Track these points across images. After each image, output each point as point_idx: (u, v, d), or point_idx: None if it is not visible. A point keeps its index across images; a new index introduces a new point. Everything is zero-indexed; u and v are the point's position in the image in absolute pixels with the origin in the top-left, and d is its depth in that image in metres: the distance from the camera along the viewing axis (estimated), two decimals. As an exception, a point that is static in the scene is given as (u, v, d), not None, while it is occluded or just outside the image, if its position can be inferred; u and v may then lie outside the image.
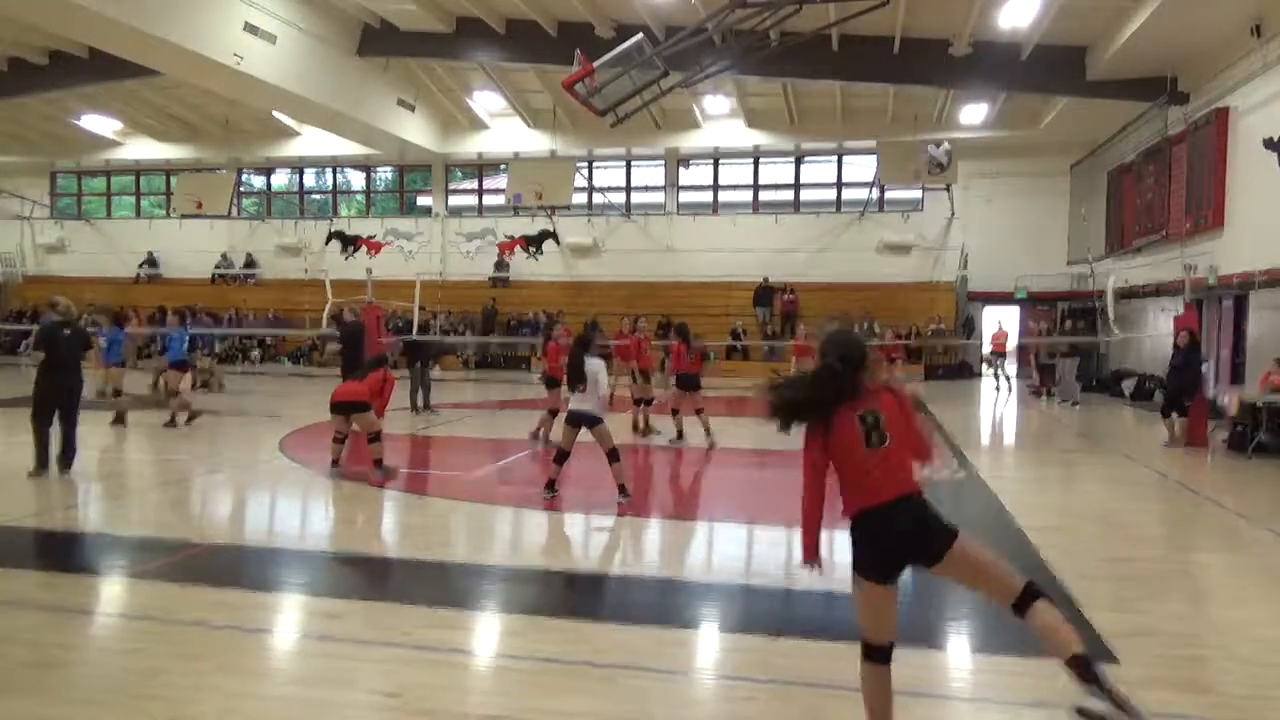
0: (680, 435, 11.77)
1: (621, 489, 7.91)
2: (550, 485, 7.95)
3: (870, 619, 3.29)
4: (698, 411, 11.56)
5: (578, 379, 7.79)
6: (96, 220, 31.28)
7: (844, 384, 3.25)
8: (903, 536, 3.21)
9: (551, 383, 11.68)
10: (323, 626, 4.92)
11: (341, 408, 9.10)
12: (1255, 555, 6.80)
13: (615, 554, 6.78)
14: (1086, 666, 3.04)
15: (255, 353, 26.64)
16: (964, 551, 3.18)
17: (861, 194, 25.79)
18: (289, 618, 5.20)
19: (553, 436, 11.43)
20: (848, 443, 3.24)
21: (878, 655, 3.28)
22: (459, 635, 4.87)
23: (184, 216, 27.80)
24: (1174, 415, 11.86)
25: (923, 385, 19.45)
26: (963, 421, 14.85)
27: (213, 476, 9.41)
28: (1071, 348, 17.88)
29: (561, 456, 8.02)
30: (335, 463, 9.12)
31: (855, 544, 3.29)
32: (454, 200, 29.07)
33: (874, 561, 3.24)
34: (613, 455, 7.94)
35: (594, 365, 7.86)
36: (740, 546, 7.10)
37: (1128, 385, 18.59)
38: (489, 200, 28.37)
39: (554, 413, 11.47)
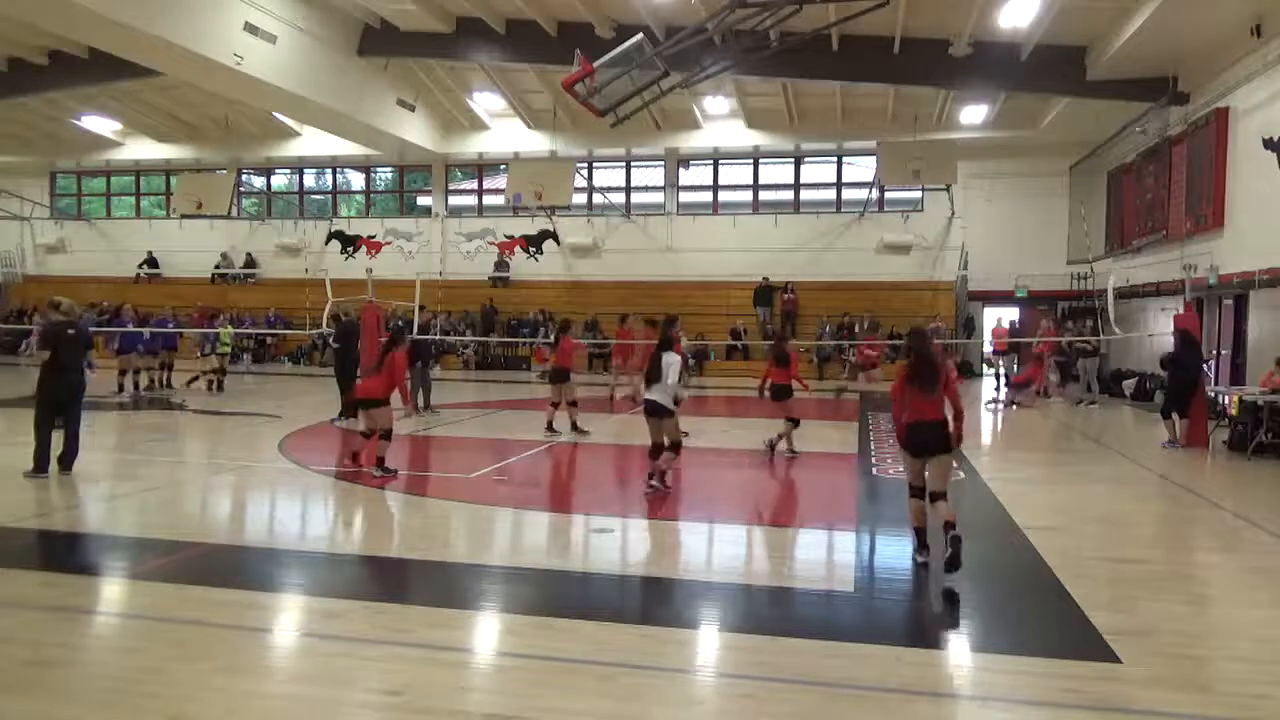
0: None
1: (660, 477, 8.19)
2: (655, 477, 8.25)
3: (909, 474, 6.33)
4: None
5: (655, 375, 8.13)
6: (96, 220, 31.27)
7: (925, 360, 6.25)
8: (924, 438, 6.15)
9: (557, 375, 12.29)
10: (323, 626, 4.93)
11: (360, 404, 9.35)
12: (1255, 556, 6.80)
13: (615, 554, 6.78)
14: (952, 528, 5.88)
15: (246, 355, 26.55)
16: (948, 461, 6.21)
17: (861, 194, 25.76)
18: (289, 617, 5.21)
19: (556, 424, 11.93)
20: (915, 388, 6.22)
21: (914, 492, 6.27)
22: (460, 634, 4.88)
23: (184, 216, 27.76)
24: (1174, 415, 11.86)
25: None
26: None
27: (213, 477, 9.42)
28: (1093, 348, 17.83)
29: (656, 450, 8.34)
30: (354, 456, 9.27)
31: (905, 436, 6.26)
32: (454, 200, 29.06)
33: (909, 444, 6.24)
34: (674, 446, 8.27)
35: (669, 359, 8.17)
36: (740, 546, 7.10)
37: (1128, 385, 18.58)
38: (489, 200, 28.36)
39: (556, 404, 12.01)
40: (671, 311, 11.11)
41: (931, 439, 6.12)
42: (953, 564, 5.69)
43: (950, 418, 6.24)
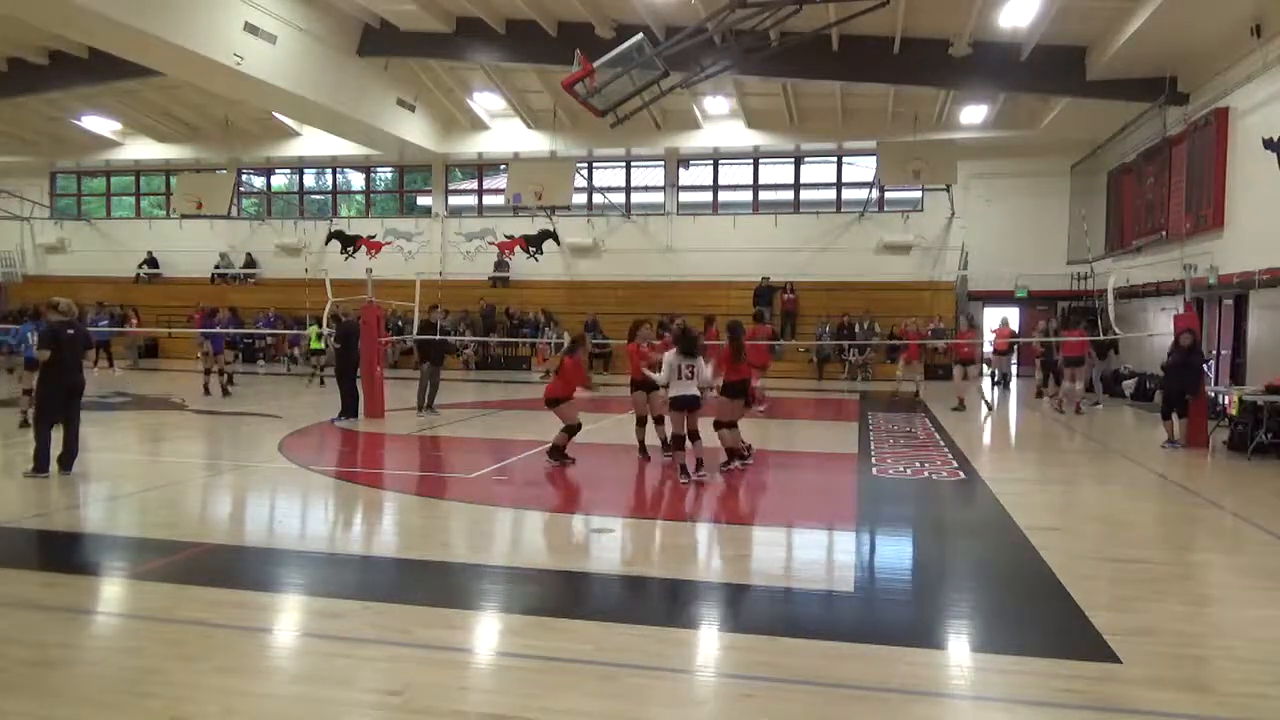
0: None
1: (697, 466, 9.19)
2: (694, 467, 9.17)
3: (733, 413, 9.71)
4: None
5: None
6: (96, 220, 31.27)
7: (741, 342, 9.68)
8: (742, 389, 9.73)
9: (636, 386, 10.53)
10: (323, 626, 4.93)
11: (549, 403, 9.99)
12: (1255, 556, 6.80)
13: (615, 554, 6.78)
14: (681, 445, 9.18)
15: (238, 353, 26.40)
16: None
17: (861, 194, 25.77)
18: (289, 617, 5.21)
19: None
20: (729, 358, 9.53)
21: (727, 425, 9.59)
22: (460, 634, 4.88)
23: (184, 216, 27.77)
24: (1174, 416, 11.86)
25: (923, 385, 19.39)
26: (963, 422, 14.85)
27: (213, 477, 9.42)
28: (1096, 349, 17.73)
29: (692, 438, 9.27)
30: (555, 450, 9.78)
31: (724, 390, 9.56)
32: (454, 200, 29.07)
33: (740, 393, 9.69)
34: (694, 435, 9.26)
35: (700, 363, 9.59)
36: (740, 546, 7.09)
37: (1128, 385, 18.57)
38: (489, 200, 28.37)
39: (643, 420, 10.60)
40: (671, 311, 10.94)
41: (745, 390, 9.71)
42: (739, 458, 9.64)
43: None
